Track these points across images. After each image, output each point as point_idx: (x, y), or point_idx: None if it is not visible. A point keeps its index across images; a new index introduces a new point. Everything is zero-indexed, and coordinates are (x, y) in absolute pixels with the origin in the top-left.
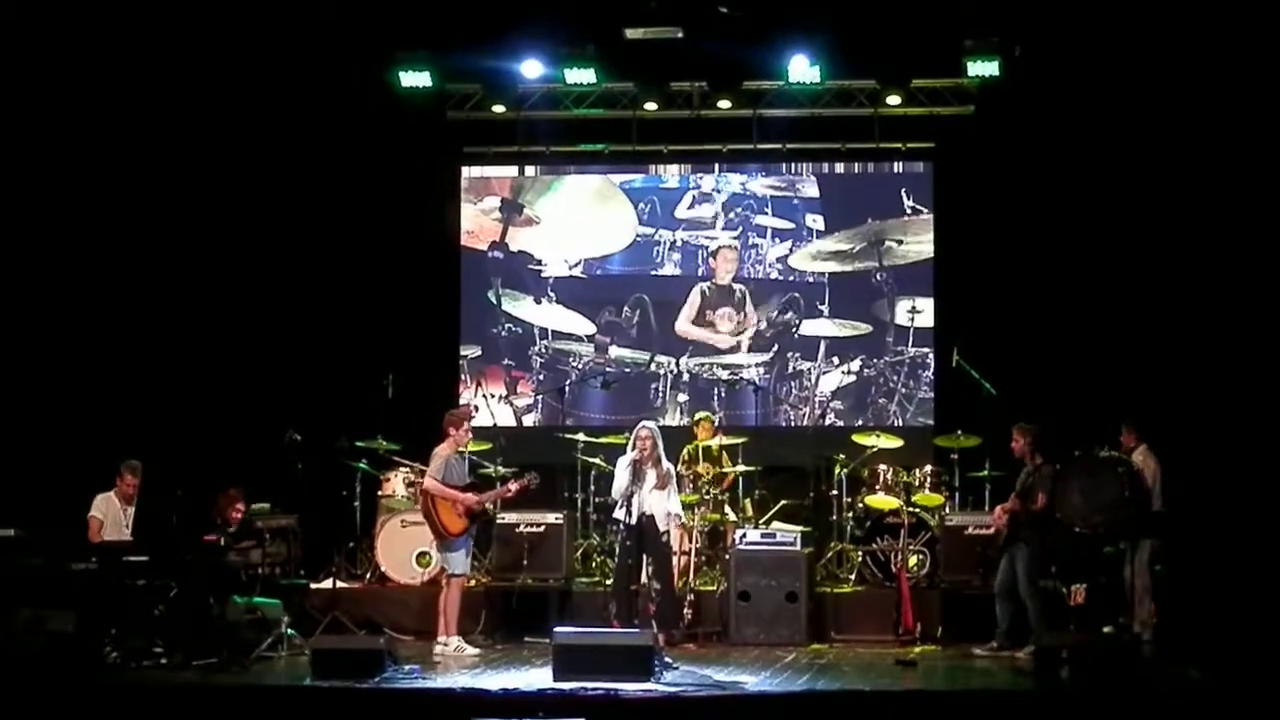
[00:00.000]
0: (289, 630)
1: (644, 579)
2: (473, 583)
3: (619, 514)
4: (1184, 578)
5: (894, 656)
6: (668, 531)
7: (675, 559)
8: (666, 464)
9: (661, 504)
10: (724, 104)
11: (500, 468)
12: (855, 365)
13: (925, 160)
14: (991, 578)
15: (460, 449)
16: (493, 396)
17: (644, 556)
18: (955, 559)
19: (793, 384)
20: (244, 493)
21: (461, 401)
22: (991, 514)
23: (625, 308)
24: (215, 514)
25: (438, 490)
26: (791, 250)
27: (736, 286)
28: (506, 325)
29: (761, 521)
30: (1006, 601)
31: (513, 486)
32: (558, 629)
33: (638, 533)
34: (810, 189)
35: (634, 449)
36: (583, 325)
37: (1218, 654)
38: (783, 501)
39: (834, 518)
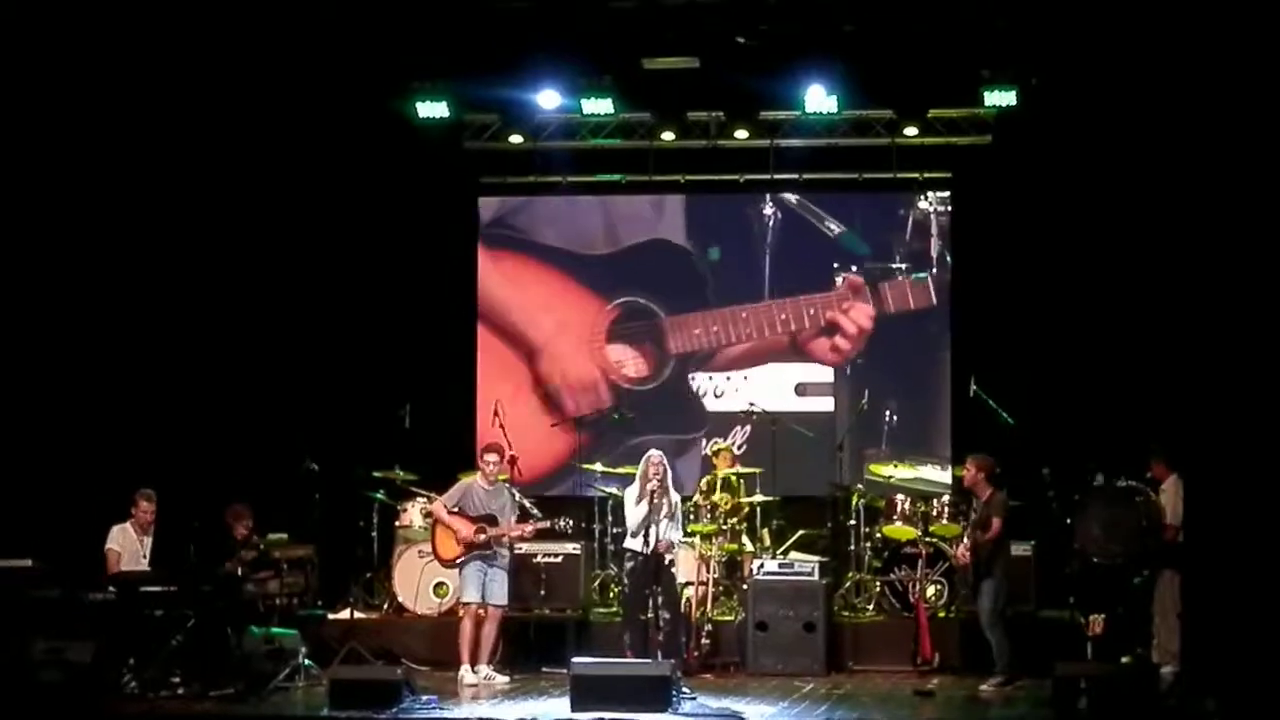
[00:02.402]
0: (306, 661)
1: (653, 609)
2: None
3: (633, 544)
4: (1210, 609)
5: (912, 687)
6: (673, 560)
7: (694, 589)
8: (674, 493)
9: (673, 534)
10: (741, 134)
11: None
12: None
13: (942, 190)
14: (1008, 609)
15: (492, 480)
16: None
17: (656, 586)
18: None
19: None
20: (250, 508)
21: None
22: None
23: None
24: (224, 533)
25: (436, 513)
26: None
27: None
28: None
29: (779, 551)
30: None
31: (526, 529)
32: (575, 659)
33: (654, 563)
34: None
35: (648, 477)
36: None
37: (1242, 687)
38: (800, 531)
39: (852, 548)
